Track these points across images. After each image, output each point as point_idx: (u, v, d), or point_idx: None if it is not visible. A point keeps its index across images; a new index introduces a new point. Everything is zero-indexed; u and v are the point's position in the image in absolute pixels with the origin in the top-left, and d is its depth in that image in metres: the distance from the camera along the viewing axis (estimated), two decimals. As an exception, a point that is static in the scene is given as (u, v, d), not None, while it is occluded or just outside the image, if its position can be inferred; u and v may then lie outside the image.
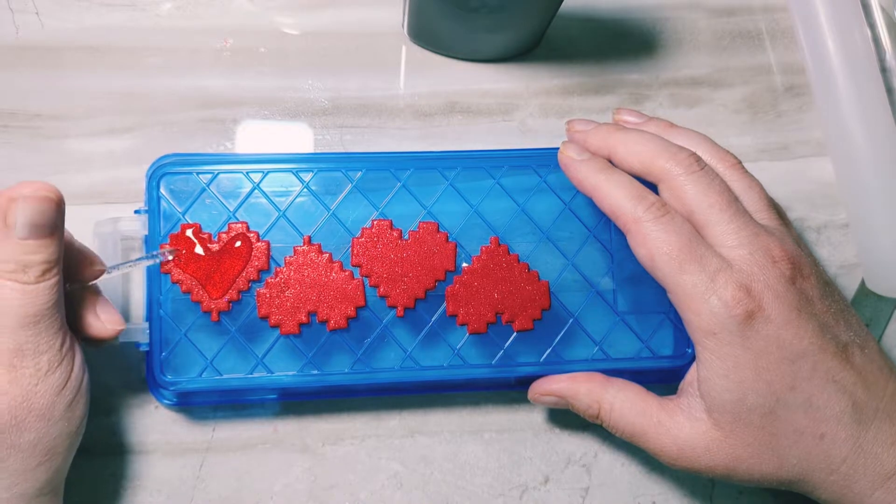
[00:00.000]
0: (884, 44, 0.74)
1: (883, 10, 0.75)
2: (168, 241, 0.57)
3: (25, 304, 0.47)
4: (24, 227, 0.47)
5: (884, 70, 0.73)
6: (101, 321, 0.54)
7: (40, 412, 0.49)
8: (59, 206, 0.49)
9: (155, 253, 0.57)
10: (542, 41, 0.71)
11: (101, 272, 0.54)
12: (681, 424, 0.54)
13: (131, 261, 0.56)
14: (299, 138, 0.68)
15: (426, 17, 0.65)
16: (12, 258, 0.47)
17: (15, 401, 0.48)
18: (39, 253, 0.48)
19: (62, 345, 0.50)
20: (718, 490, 0.66)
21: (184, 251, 0.57)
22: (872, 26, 0.74)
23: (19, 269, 0.47)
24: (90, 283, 0.54)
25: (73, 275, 0.53)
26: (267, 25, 0.69)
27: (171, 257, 0.57)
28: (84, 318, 0.54)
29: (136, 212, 0.59)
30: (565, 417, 0.65)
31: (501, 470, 0.65)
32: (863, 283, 0.70)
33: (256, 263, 0.58)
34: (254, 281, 0.58)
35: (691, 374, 0.56)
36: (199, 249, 0.57)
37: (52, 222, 0.48)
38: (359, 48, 0.70)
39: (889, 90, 0.72)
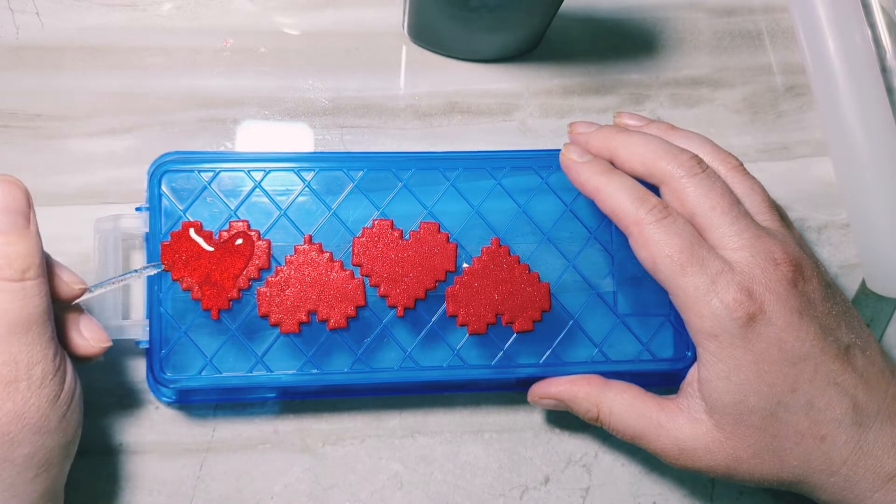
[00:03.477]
0: (884, 44, 0.74)
1: (883, 9, 0.75)
2: (169, 238, 0.57)
3: (14, 307, 0.46)
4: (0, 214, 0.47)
5: (884, 70, 0.73)
6: (86, 338, 0.53)
7: (34, 426, 0.48)
8: (27, 195, 0.48)
9: (140, 269, 0.56)
10: (542, 41, 0.71)
11: (83, 291, 0.53)
12: (681, 425, 0.54)
13: (113, 278, 0.56)
14: (299, 138, 0.68)
15: (426, 17, 0.65)
16: None
17: (7, 416, 0.46)
18: (18, 244, 0.47)
19: (55, 355, 0.49)
20: (718, 490, 0.66)
21: (165, 264, 0.57)
22: (873, 26, 0.74)
23: (2, 264, 0.46)
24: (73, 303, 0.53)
25: (53, 294, 0.51)
26: (267, 25, 0.69)
27: (154, 272, 0.57)
28: (68, 336, 0.53)
29: (137, 209, 0.59)
30: (565, 417, 0.65)
31: (501, 470, 0.65)
32: (863, 283, 0.70)
33: (257, 262, 0.58)
34: (254, 279, 0.58)
35: (692, 375, 0.56)
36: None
37: (25, 209, 0.48)
38: (359, 48, 0.70)
39: (889, 90, 0.72)
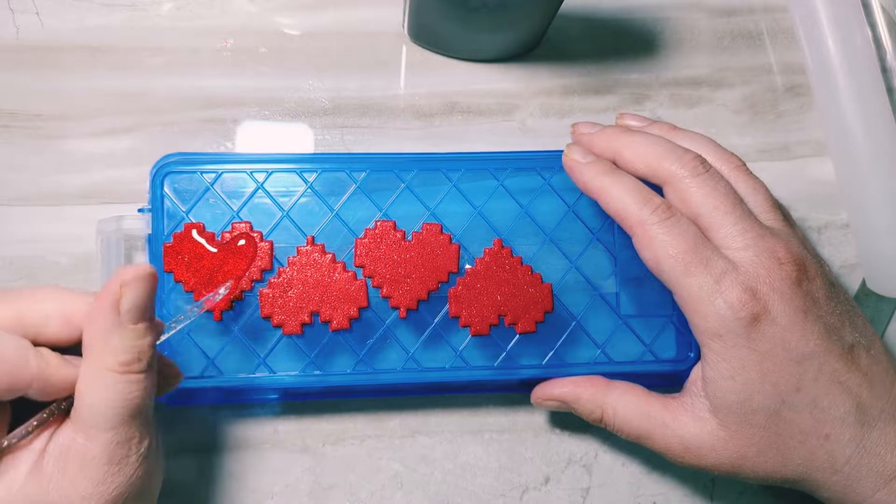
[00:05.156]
0: (884, 44, 0.74)
1: (883, 9, 0.75)
2: (171, 239, 0.57)
3: (138, 395, 0.46)
4: (136, 311, 0.46)
5: (884, 70, 0.73)
6: (166, 377, 0.53)
7: (140, 494, 0.49)
8: (156, 282, 0.48)
9: (194, 307, 0.56)
10: (542, 41, 0.71)
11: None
12: (685, 424, 0.54)
13: (182, 319, 0.55)
14: (300, 138, 0.68)
15: (426, 17, 0.65)
16: (127, 347, 0.46)
17: (118, 490, 0.47)
18: (148, 336, 0.47)
19: (153, 427, 0.49)
20: (719, 490, 0.66)
21: (212, 295, 0.57)
22: (873, 26, 0.74)
23: (134, 358, 0.46)
24: None
25: None
26: (267, 25, 0.69)
27: (217, 299, 0.57)
28: None
29: (139, 210, 0.59)
30: (566, 418, 0.65)
31: (502, 470, 0.65)
32: (863, 283, 0.70)
33: (259, 263, 0.58)
34: (257, 281, 0.58)
35: (695, 374, 0.56)
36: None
37: (154, 301, 0.47)
38: (359, 48, 0.70)
39: (889, 90, 0.72)
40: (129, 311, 0.46)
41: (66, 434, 0.46)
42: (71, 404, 0.47)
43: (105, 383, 0.45)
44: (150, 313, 0.47)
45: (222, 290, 0.56)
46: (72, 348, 0.48)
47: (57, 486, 0.45)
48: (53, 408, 0.47)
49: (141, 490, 0.48)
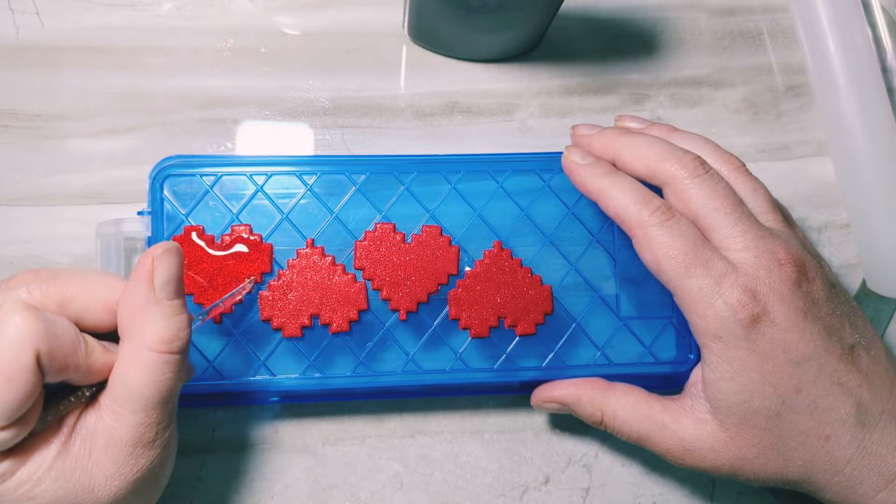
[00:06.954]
0: (884, 44, 0.74)
1: (883, 9, 0.75)
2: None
3: (171, 377, 0.47)
4: (170, 285, 0.47)
5: (884, 70, 0.73)
6: None
7: (155, 478, 0.50)
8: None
9: (201, 315, 0.56)
10: (542, 41, 0.71)
11: None
12: (685, 426, 0.54)
13: (200, 316, 0.55)
14: (300, 138, 0.68)
15: (426, 17, 0.65)
16: (165, 325, 0.46)
17: (140, 472, 0.47)
18: (183, 313, 0.47)
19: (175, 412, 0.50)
20: (719, 490, 0.66)
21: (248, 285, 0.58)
22: (873, 26, 0.74)
23: (173, 336, 0.46)
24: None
25: None
26: (267, 25, 0.69)
27: (250, 286, 0.57)
28: None
29: (139, 213, 0.59)
30: (566, 418, 0.65)
31: (502, 470, 0.65)
32: (863, 284, 0.70)
33: (259, 266, 0.58)
34: (257, 283, 0.58)
35: (695, 375, 0.56)
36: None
37: (183, 279, 0.48)
38: (359, 48, 0.70)
39: (890, 90, 0.72)
40: (163, 285, 0.46)
41: (94, 416, 0.47)
42: (99, 390, 0.47)
43: (144, 364, 0.46)
44: (182, 290, 0.48)
45: (248, 285, 0.57)
46: (107, 335, 0.49)
47: (82, 465, 0.46)
48: (84, 390, 0.47)
49: (157, 475, 0.49)
